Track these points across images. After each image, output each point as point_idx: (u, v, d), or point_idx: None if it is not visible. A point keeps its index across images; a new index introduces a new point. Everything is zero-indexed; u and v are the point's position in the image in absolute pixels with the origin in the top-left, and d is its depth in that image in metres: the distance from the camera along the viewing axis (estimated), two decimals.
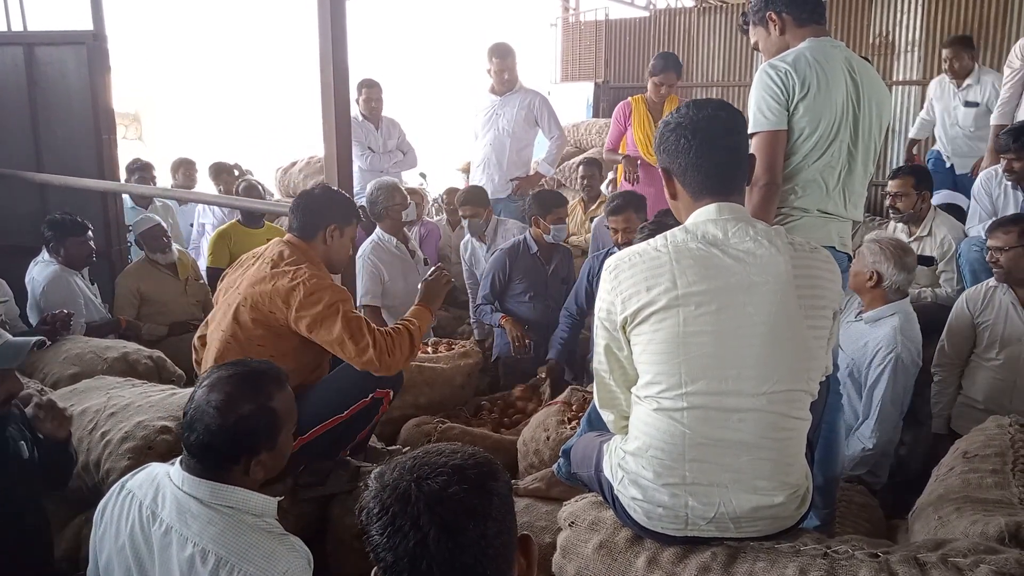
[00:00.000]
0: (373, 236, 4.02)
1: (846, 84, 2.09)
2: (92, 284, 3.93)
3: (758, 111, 2.08)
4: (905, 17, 7.72)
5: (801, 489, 1.54)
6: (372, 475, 0.99)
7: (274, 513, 1.55)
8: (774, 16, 2.20)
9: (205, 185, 6.04)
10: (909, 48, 7.42)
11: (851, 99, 2.10)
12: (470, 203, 4.35)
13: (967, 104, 4.44)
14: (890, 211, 3.74)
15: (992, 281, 2.99)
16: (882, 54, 7.76)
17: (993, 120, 4.03)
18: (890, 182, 3.68)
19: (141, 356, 3.18)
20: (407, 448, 2.74)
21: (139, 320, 3.98)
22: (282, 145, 10.59)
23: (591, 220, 5.10)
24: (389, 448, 2.71)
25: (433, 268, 2.61)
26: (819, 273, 1.54)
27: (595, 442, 1.81)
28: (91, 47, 4.36)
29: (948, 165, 4.64)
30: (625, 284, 1.55)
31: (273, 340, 2.25)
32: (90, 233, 3.79)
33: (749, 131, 1.99)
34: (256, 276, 2.27)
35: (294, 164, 5.95)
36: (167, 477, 1.56)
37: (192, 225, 5.66)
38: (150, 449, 2.26)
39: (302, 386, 2.22)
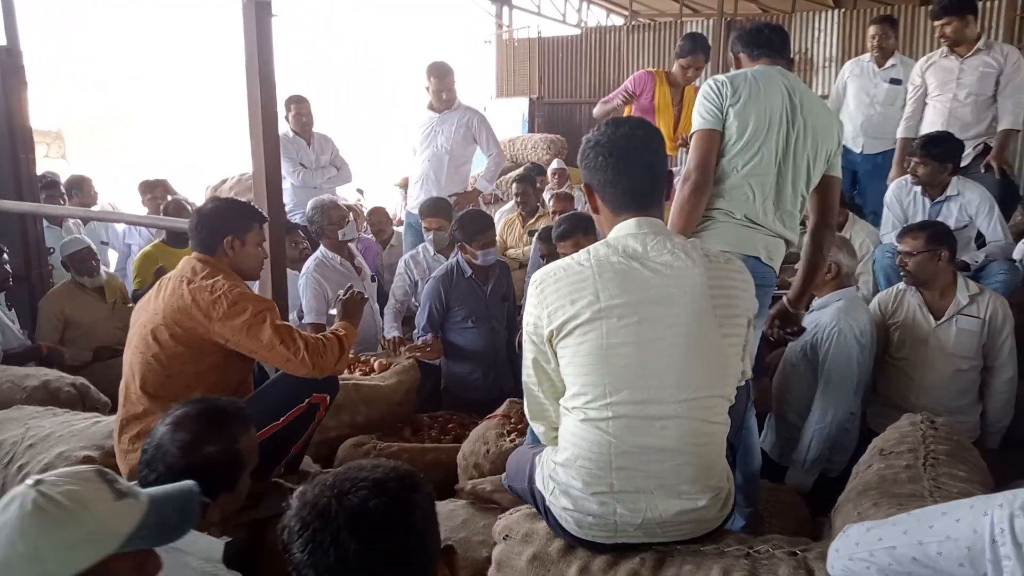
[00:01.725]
0: (317, 253, 3.98)
1: (782, 100, 2.19)
2: (9, 310, 3.76)
3: (696, 115, 2.21)
4: (822, 35, 8.12)
5: (723, 492, 1.59)
6: (294, 494, 0.99)
7: (219, 556, 1.49)
8: (733, 56, 2.45)
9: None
10: (826, 64, 7.80)
11: (785, 115, 2.19)
12: (438, 215, 4.18)
13: (891, 81, 4.61)
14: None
15: (902, 284, 3.15)
16: (802, 70, 8.13)
17: (899, 133, 4.24)
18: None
19: (63, 384, 3.06)
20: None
21: (63, 345, 3.82)
22: (216, 161, 10.37)
23: (529, 234, 5.17)
24: (325, 470, 2.67)
25: (344, 289, 2.69)
26: (733, 283, 1.60)
27: (528, 454, 1.84)
28: (4, 63, 4.19)
29: (858, 151, 4.76)
30: (550, 298, 1.59)
31: (195, 357, 2.23)
32: (5, 256, 3.63)
33: (689, 133, 2.09)
34: (172, 294, 2.24)
35: (224, 181, 5.84)
36: None
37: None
38: None
39: None
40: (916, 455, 2.26)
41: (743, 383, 1.75)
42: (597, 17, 13.51)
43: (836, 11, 8.76)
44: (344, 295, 2.63)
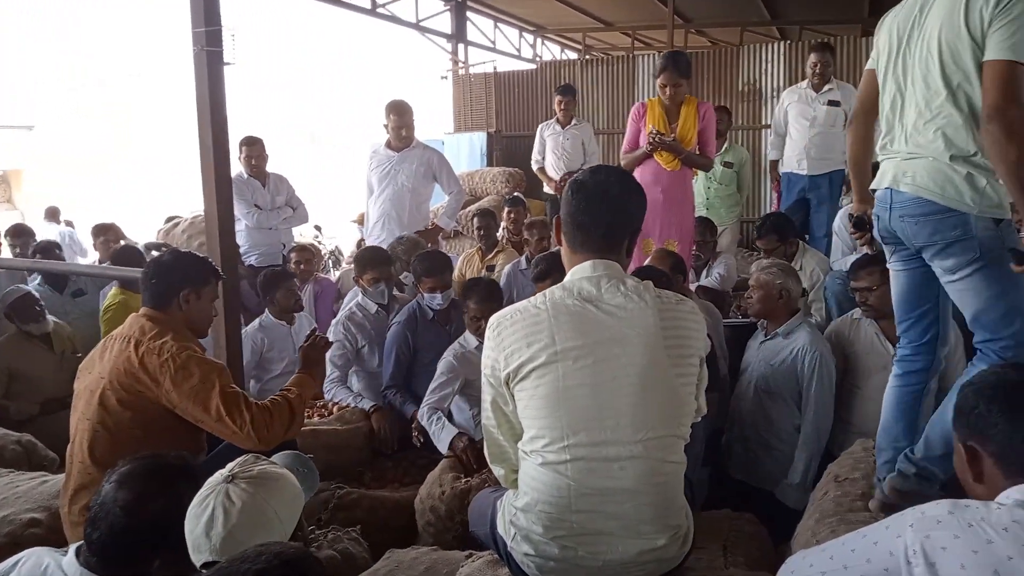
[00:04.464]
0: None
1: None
2: None
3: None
4: (770, 67, 8.38)
5: (682, 530, 1.60)
6: None
7: None
8: None
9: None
10: (774, 94, 8.02)
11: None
12: (379, 266, 3.70)
13: (830, 103, 4.82)
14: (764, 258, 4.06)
15: (856, 313, 3.22)
16: (750, 100, 8.37)
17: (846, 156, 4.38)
18: (758, 241, 4.11)
19: (8, 441, 2.95)
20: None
21: (7, 399, 3.68)
22: (170, 204, 10.25)
23: (488, 269, 5.18)
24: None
25: (308, 334, 2.60)
26: (685, 324, 1.62)
27: (490, 499, 1.83)
28: None
29: (804, 173, 4.96)
30: (507, 341, 1.60)
31: (144, 423, 2.13)
32: None
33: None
34: (118, 356, 2.16)
35: (176, 224, 5.74)
36: (59, 570, 1.45)
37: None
38: (17, 546, 2.08)
39: None
40: (870, 481, 2.30)
41: (699, 419, 1.77)
42: (552, 52, 13.78)
43: (782, 43, 9.05)
44: (307, 343, 2.53)
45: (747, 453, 3.09)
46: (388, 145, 4.76)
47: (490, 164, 8.94)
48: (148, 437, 2.12)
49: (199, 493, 1.43)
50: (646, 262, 3.68)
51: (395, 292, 3.83)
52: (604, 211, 1.66)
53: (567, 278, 1.68)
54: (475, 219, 5.57)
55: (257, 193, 5.07)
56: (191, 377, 2.10)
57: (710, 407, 2.74)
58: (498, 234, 5.60)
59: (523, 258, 4.83)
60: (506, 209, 5.71)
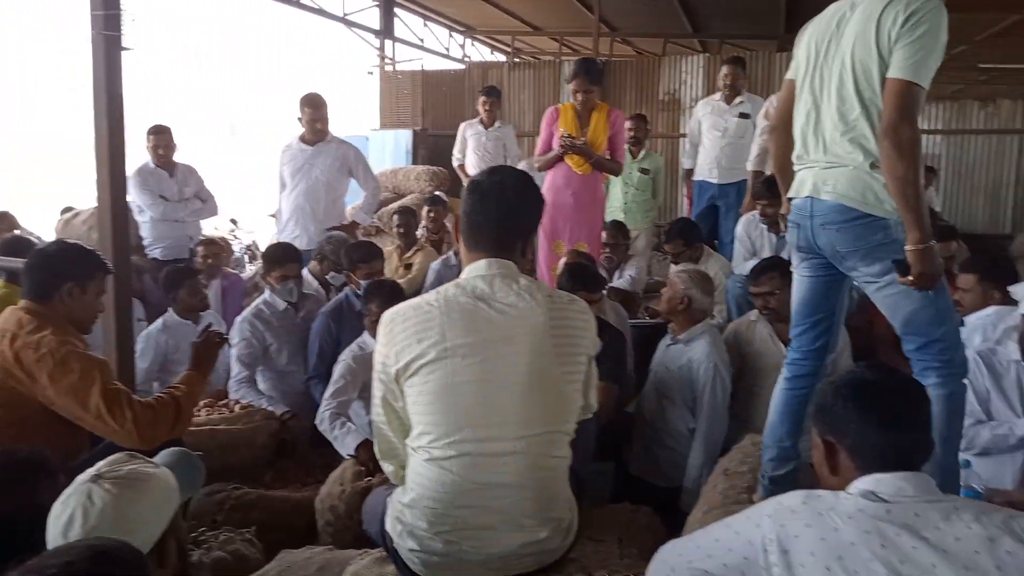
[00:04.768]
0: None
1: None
2: None
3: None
4: (689, 78, 8.64)
5: (565, 522, 1.63)
6: None
7: None
8: None
9: None
10: (692, 104, 8.26)
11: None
12: (289, 262, 3.61)
13: (741, 115, 5.03)
14: (671, 261, 4.19)
15: (753, 315, 3.35)
16: (670, 110, 8.61)
17: (750, 166, 4.57)
18: (665, 245, 4.27)
19: None
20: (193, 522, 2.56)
21: None
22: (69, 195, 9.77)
23: (406, 267, 5.14)
24: None
25: (202, 330, 2.52)
26: (574, 323, 1.65)
27: (381, 496, 1.82)
28: None
29: (715, 182, 5.16)
30: (398, 337, 1.61)
31: (19, 420, 2.03)
32: None
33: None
34: None
35: (77, 214, 5.46)
36: None
37: None
38: None
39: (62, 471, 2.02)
40: (756, 474, 2.40)
41: (589, 416, 1.81)
42: (481, 53, 13.80)
43: (702, 55, 9.37)
44: (199, 338, 2.46)
45: (646, 451, 3.17)
46: (302, 139, 4.67)
47: (415, 162, 8.88)
48: (22, 435, 2.01)
49: (64, 492, 1.36)
50: (560, 263, 3.75)
51: (303, 290, 3.75)
52: (498, 211, 1.68)
53: (462, 275, 1.69)
54: (395, 217, 5.53)
55: (164, 184, 4.88)
56: (70, 373, 2.01)
57: (611, 400, 2.81)
58: (418, 233, 5.58)
59: (452, 253, 4.83)
60: (426, 208, 5.69)
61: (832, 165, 1.98)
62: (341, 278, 3.92)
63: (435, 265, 4.75)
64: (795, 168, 2.15)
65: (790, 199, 2.17)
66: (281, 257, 3.63)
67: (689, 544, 1.37)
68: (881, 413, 1.30)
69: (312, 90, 4.70)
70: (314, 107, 4.60)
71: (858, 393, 1.33)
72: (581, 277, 3.07)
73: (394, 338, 1.61)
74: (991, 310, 3.01)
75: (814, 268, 2.16)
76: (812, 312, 2.21)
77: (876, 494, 1.24)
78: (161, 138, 4.86)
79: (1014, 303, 2.69)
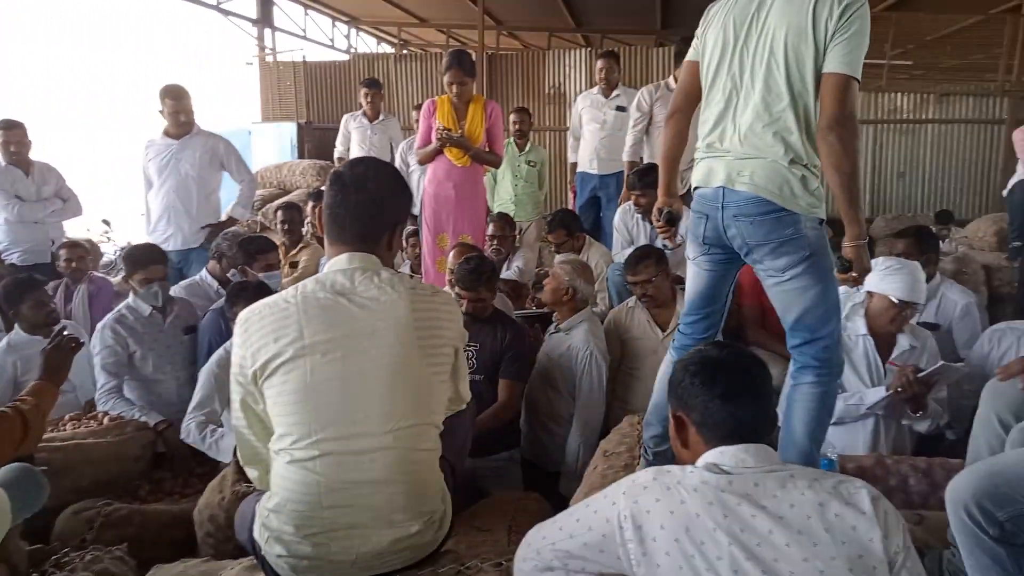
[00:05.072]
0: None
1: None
2: None
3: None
4: (573, 72, 8.84)
5: (437, 514, 1.64)
6: None
7: None
8: None
9: None
10: (576, 98, 8.48)
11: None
12: (154, 263, 3.41)
13: (618, 108, 5.20)
14: (555, 251, 4.30)
15: (631, 301, 3.48)
16: (555, 103, 8.79)
17: (625, 157, 4.73)
18: (548, 236, 4.41)
19: None
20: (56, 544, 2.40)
21: None
22: None
23: (291, 265, 5.00)
24: (36, 547, 2.34)
25: (54, 334, 2.34)
26: (438, 314, 1.65)
27: (251, 504, 1.77)
28: None
29: (595, 172, 5.31)
30: (254, 337, 1.56)
31: None
32: None
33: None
34: None
35: None
36: None
37: None
38: None
39: None
40: (632, 454, 2.50)
41: (462, 407, 1.83)
42: (368, 44, 13.55)
43: (585, 49, 9.58)
44: (50, 344, 2.28)
45: (535, 438, 3.25)
46: (166, 133, 4.42)
47: (301, 156, 8.65)
48: None
49: None
50: (450, 257, 3.76)
51: (171, 294, 3.57)
52: (361, 204, 1.65)
53: (323, 271, 1.67)
54: (279, 213, 5.35)
55: (19, 183, 4.52)
56: None
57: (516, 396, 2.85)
58: (304, 229, 5.43)
59: None
60: (311, 204, 5.54)
61: (748, 156, 1.94)
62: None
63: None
64: (700, 156, 2.09)
65: (696, 188, 2.10)
66: (143, 259, 3.42)
67: (553, 527, 1.41)
68: (724, 388, 1.37)
69: (173, 81, 4.46)
70: (175, 98, 4.35)
71: (703, 370, 1.40)
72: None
73: (250, 338, 1.56)
74: (841, 288, 3.26)
75: (715, 261, 2.14)
76: (708, 303, 2.22)
77: (719, 466, 1.32)
78: (12, 134, 4.49)
79: None
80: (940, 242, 4.43)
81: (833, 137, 1.82)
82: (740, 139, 1.96)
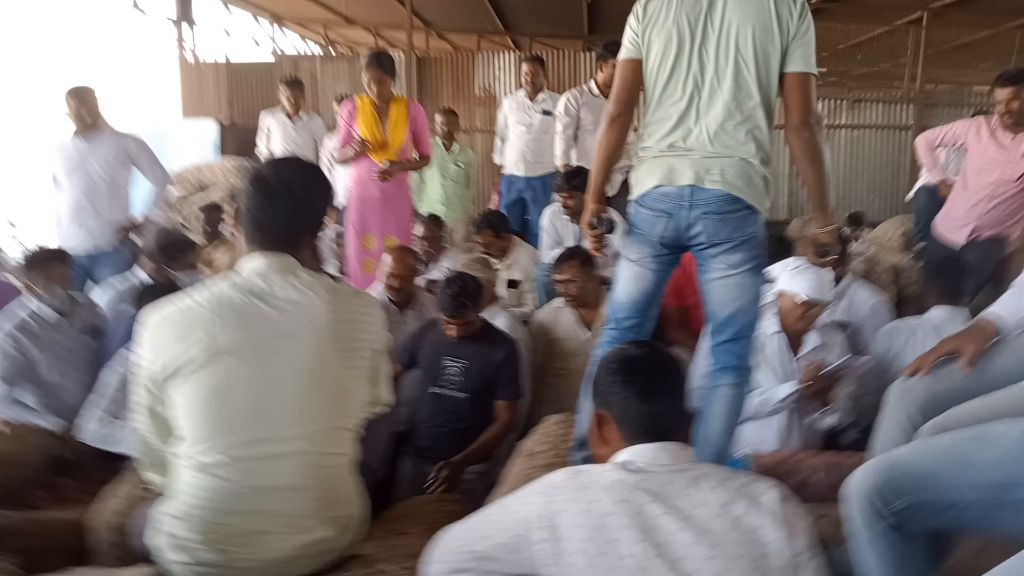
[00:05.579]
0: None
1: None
2: None
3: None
4: (502, 74, 8.86)
5: (349, 519, 1.60)
6: None
7: None
8: None
9: None
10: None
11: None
12: (53, 261, 3.27)
13: (544, 112, 5.22)
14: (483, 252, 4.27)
15: (557, 301, 3.50)
16: (485, 104, 8.79)
17: (557, 162, 4.77)
18: (476, 236, 4.30)
19: None
20: None
21: None
22: None
23: (203, 263, 4.85)
24: None
25: None
26: (358, 316, 1.61)
27: (151, 509, 1.68)
28: None
29: (522, 175, 5.31)
30: (162, 340, 1.50)
31: None
32: None
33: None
34: None
35: None
36: None
37: None
38: None
39: None
40: (556, 453, 2.50)
41: (384, 409, 1.78)
42: (293, 43, 13.26)
43: (514, 52, 9.64)
44: None
45: None
46: (76, 134, 4.22)
47: (223, 155, 8.39)
48: None
49: None
50: (387, 262, 3.69)
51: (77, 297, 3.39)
52: (284, 208, 1.58)
53: (241, 272, 1.60)
54: (201, 213, 5.20)
55: None
56: None
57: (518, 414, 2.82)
58: (224, 229, 5.29)
59: None
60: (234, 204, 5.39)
61: (718, 155, 1.94)
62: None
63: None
64: (655, 155, 2.04)
65: (655, 187, 2.02)
66: (42, 257, 3.24)
67: (467, 527, 1.38)
68: (641, 386, 1.37)
69: (77, 82, 4.24)
70: (79, 99, 4.16)
71: (622, 367, 1.40)
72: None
73: (158, 341, 1.50)
74: None
75: (663, 262, 2.12)
76: (646, 306, 2.19)
77: (633, 464, 1.31)
78: None
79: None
80: (852, 243, 4.62)
81: (808, 133, 1.92)
82: (709, 137, 1.95)
